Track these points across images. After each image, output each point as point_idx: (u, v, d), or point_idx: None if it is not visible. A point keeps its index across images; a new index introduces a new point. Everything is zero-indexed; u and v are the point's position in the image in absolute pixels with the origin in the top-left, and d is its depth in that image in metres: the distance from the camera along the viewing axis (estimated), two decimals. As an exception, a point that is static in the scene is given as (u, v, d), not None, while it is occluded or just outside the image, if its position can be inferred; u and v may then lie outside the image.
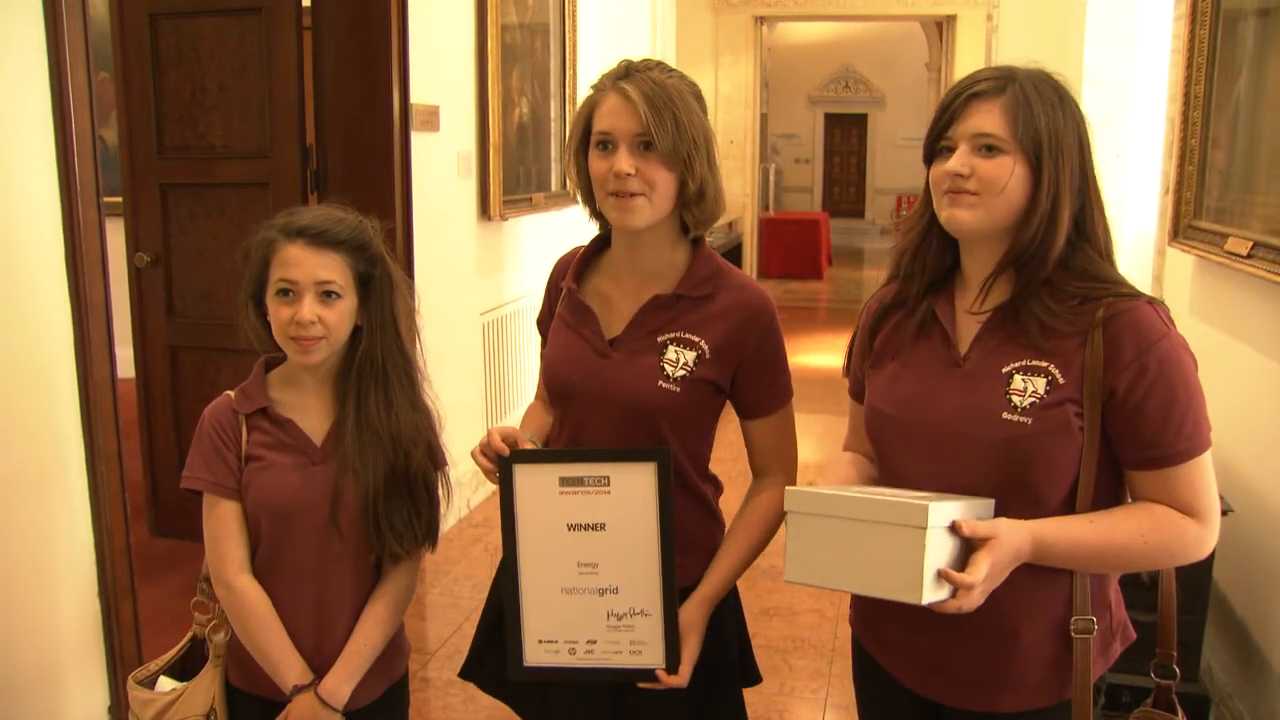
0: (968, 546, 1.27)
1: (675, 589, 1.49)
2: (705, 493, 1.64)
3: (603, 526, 1.48)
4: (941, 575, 1.23)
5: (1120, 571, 1.44)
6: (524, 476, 1.49)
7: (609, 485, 1.47)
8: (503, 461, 1.49)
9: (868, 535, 1.24)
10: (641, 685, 1.52)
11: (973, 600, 1.25)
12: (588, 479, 1.47)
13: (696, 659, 1.52)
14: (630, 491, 1.46)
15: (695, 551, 1.58)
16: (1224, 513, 1.39)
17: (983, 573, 1.24)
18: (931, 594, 1.22)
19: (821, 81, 18.48)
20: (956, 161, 1.35)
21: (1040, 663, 1.39)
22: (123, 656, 2.50)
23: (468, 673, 1.76)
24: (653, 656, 1.50)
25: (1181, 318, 1.46)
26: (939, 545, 1.23)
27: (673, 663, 1.50)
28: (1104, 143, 4.44)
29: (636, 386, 1.55)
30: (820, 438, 3.77)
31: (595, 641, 1.51)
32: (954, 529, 1.25)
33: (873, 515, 1.25)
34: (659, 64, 1.56)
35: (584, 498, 1.48)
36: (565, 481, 1.48)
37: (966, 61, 9.33)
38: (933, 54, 13.18)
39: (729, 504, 1.68)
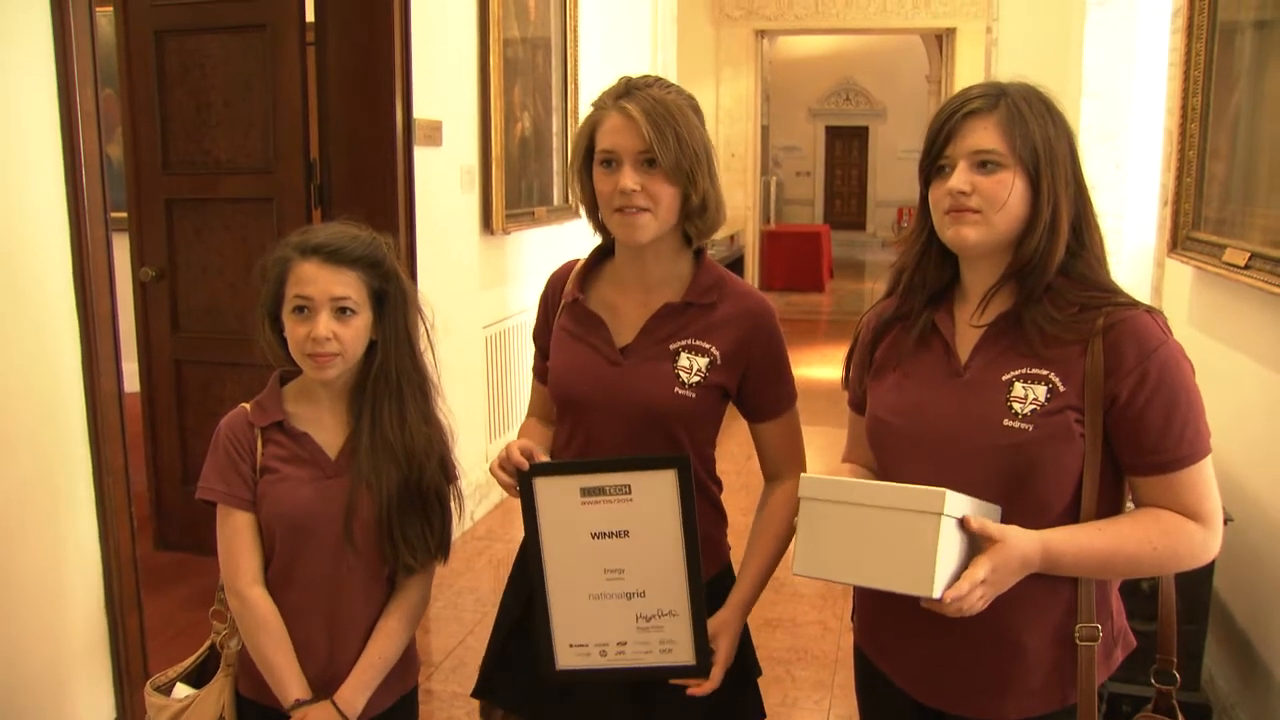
0: (975, 548, 1.28)
1: (702, 588, 1.50)
2: (714, 491, 1.68)
3: (626, 534, 1.49)
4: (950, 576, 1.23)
5: (1127, 577, 1.46)
6: (545, 489, 1.50)
7: (631, 494, 1.48)
8: (523, 475, 1.50)
9: (881, 522, 1.25)
10: (674, 681, 1.53)
11: (973, 603, 1.26)
12: (609, 488, 1.48)
13: (731, 662, 1.55)
14: (652, 499, 1.48)
15: (706, 545, 1.59)
16: (1225, 521, 1.40)
17: (980, 575, 1.25)
18: (941, 589, 1.23)
19: (822, 94, 18.54)
20: (957, 179, 1.36)
21: (1043, 669, 1.40)
22: (129, 668, 2.52)
23: (482, 692, 1.75)
24: (683, 654, 1.52)
25: (1180, 328, 1.48)
26: (951, 538, 1.24)
27: (703, 658, 1.52)
28: (1103, 155, 4.46)
29: (652, 393, 1.57)
30: (822, 449, 3.75)
31: (625, 643, 1.53)
32: (964, 525, 1.26)
33: (887, 501, 1.25)
34: (657, 80, 1.58)
35: (606, 507, 1.49)
36: (586, 492, 1.49)
37: (966, 74, 9.37)
38: (933, 67, 13.23)
39: (731, 507, 1.71)
